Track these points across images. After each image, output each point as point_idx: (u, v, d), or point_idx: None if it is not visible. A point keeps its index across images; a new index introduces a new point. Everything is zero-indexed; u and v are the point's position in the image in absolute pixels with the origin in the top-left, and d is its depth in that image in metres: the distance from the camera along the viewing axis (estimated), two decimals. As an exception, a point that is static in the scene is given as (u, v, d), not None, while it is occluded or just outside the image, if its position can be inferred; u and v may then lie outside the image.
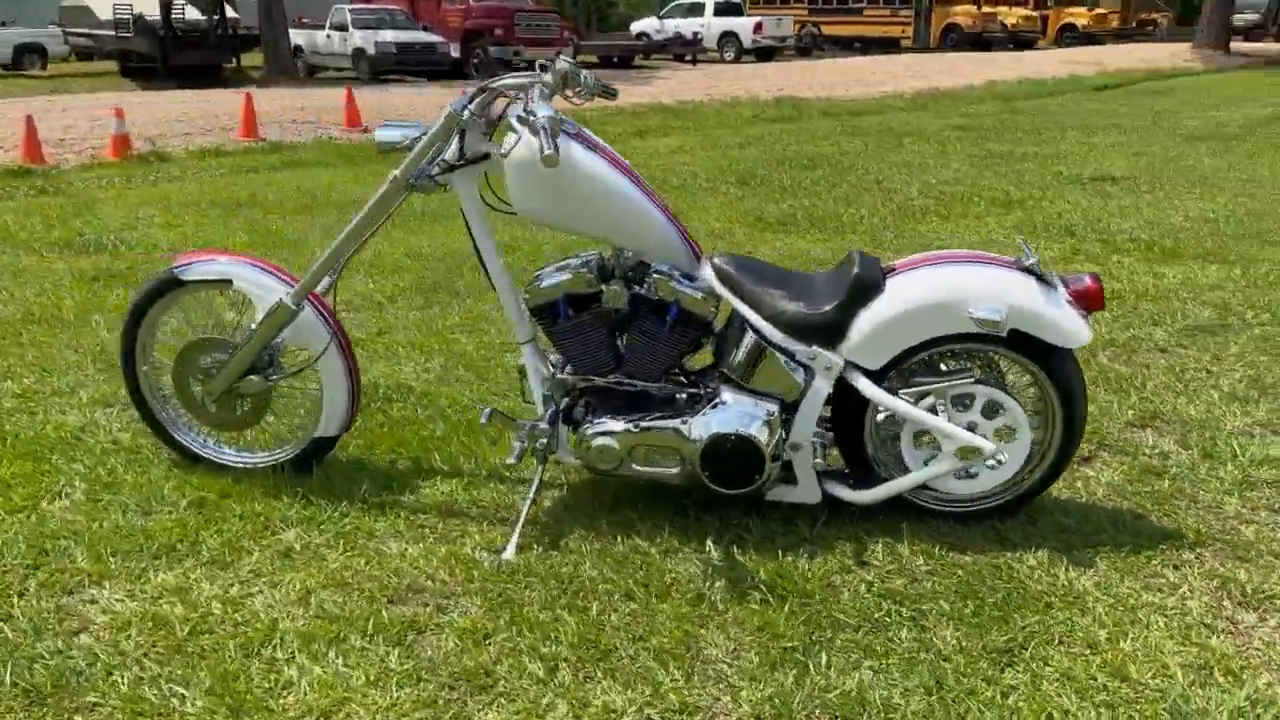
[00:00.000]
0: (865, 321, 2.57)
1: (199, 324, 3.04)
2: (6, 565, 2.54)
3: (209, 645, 2.24)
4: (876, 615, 2.34)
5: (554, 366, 2.79)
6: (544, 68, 2.60)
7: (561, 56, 2.56)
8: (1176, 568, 2.53)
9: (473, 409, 3.45)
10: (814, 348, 2.60)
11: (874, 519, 2.72)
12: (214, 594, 2.42)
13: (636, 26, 28.88)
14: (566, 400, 2.79)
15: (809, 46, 30.24)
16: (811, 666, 2.16)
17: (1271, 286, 4.86)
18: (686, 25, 26.94)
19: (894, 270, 2.65)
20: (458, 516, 2.78)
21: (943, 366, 2.70)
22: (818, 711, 2.03)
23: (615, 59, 25.00)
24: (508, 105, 2.62)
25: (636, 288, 2.66)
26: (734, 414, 2.60)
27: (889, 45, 31.44)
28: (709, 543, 2.63)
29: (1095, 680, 2.12)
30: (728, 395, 2.65)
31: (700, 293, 2.64)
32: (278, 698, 2.08)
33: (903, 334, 2.56)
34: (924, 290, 2.56)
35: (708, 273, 2.66)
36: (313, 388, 3.00)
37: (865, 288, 2.59)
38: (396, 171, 2.63)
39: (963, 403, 2.64)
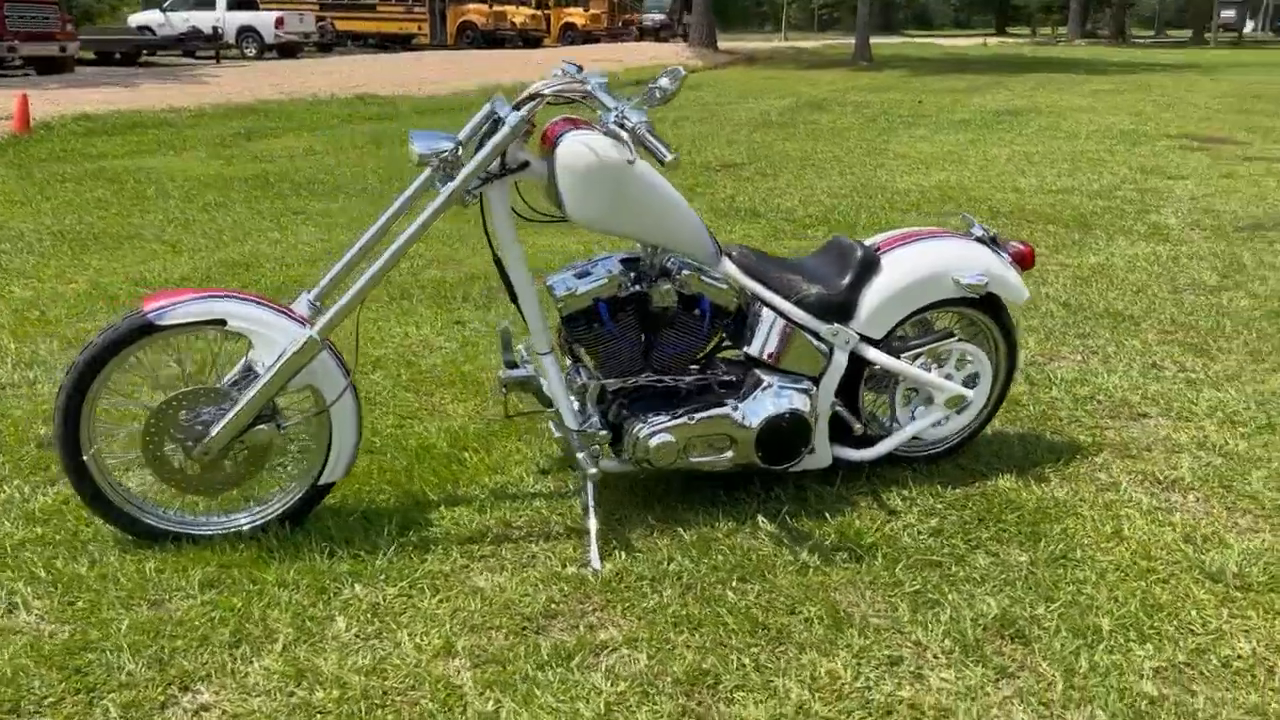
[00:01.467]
0: (873, 296, 2.88)
1: (164, 374, 2.60)
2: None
3: None
4: (946, 551, 2.67)
5: (585, 374, 2.78)
6: (579, 69, 2.60)
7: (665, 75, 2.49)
8: (1102, 470, 3.14)
9: (412, 431, 3.26)
10: (835, 325, 2.86)
11: (856, 479, 3.03)
12: (347, 669, 2.16)
13: (136, 19, 26.32)
14: (600, 405, 2.80)
15: (331, 43, 29.49)
16: (949, 604, 2.43)
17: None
18: (199, 19, 25.06)
19: (879, 249, 2.98)
20: (508, 542, 2.68)
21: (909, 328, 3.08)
22: (995, 640, 2.32)
23: (118, 55, 22.61)
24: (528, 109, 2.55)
25: (666, 284, 2.74)
26: (780, 395, 2.79)
27: (403, 42, 31.61)
28: (760, 519, 2.80)
29: (1137, 563, 2.61)
30: (766, 378, 2.82)
31: (725, 284, 2.78)
32: (534, 747, 1.96)
33: (903, 304, 2.90)
34: (916, 264, 2.92)
35: (728, 265, 2.81)
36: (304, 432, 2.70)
37: (869, 266, 2.89)
38: (453, 185, 2.47)
39: (942, 358, 3.04)
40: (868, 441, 3.01)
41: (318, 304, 2.71)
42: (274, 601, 2.38)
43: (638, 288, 2.72)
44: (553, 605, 2.40)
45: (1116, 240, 6.12)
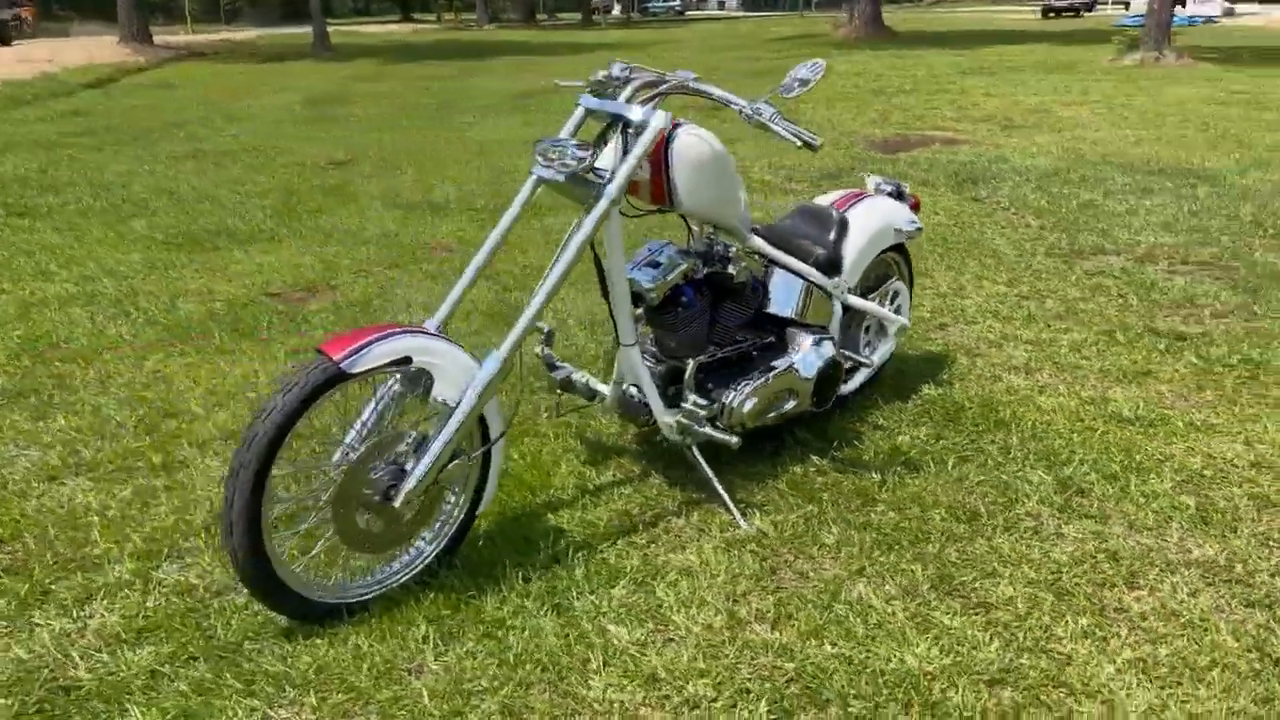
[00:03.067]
0: (851, 251, 3.38)
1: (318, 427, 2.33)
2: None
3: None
4: (956, 447, 3.28)
5: (653, 358, 2.97)
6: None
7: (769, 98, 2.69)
8: (981, 367, 3.96)
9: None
10: (835, 279, 3.31)
11: (844, 414, 3.54)
12: (685, 665, 2.24)
13: None
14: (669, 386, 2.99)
15: None
16: (1001, 528, 3.02)
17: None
18: None
19: (838, 209, 3.48)
20: (652, 527, 2.81)
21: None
22: (1086, 567, 2.96)
23: None
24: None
25: (731, 264, 3.01)
26: (820, 346, 3.19)
27: None
28: (814, 459, 3.19)
29: (1135, 459, 3.36)
30: (800, 334, 3.20)
31: (757, 257, 3.12)
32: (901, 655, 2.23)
33: (868, 254, 3.44)
34: (870, 220, 3.47)
35: (756, 240, 3.14)
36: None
37: (844, 226, 3.38)
38: (614, 188, 2.52)
39: (886, 295, 3.63)
40: (848, 376, 3.52)
41: (443, 330, 2.59)
42: (536, 631, 2.33)
43: (706, 269, 2.95)
44: (762, 562, 2.62)
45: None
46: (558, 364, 3.15)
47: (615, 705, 2.11)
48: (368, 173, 8.23)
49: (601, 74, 2.84)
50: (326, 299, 4.82)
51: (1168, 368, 3.91)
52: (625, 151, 2.62)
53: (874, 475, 3.05)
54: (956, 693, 2.12)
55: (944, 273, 5.20)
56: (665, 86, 2.73)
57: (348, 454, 2.37)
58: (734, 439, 2.80)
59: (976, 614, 2.40)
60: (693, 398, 2.90)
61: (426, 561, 2.53)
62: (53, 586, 2.55)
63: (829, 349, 3.19)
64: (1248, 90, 12.87)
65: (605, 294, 2.80)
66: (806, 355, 3.15)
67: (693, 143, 2.69)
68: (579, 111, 2.72)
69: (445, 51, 26.06)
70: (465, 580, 2.51)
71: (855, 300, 3.39)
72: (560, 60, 21.79)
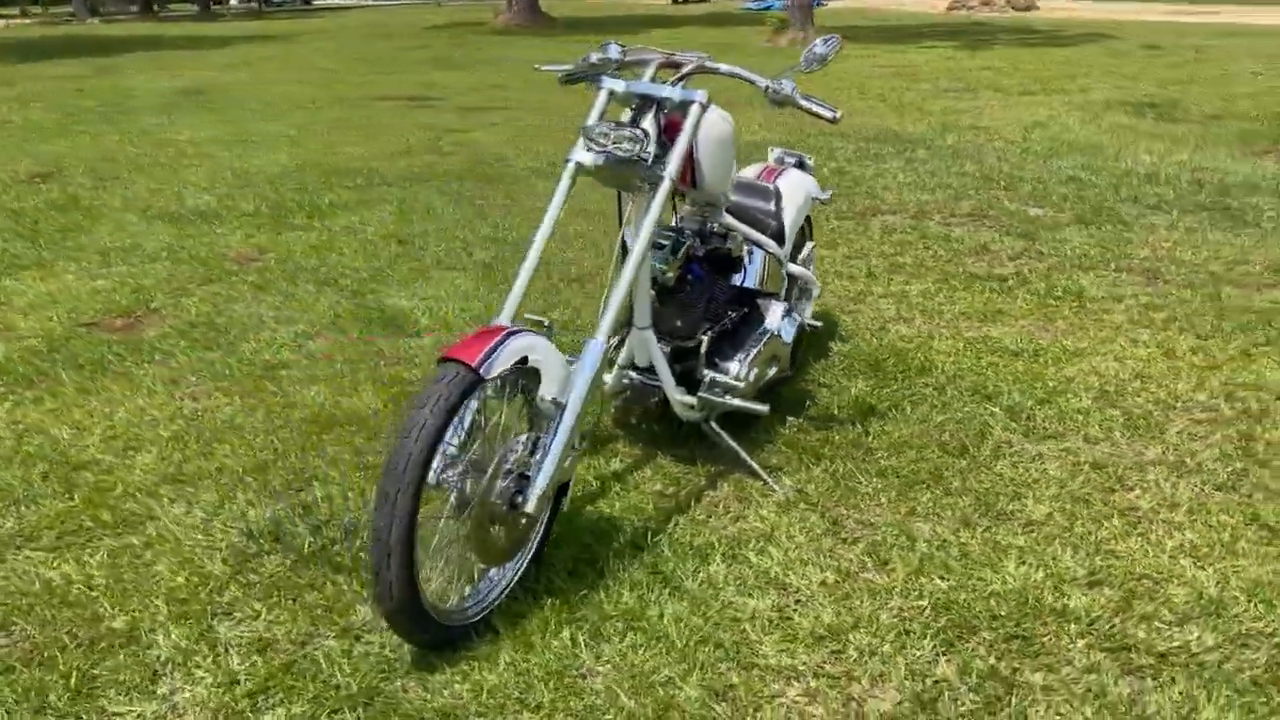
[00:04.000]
0: (788, 220, 3.57)
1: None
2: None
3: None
4: (903, 394, 3.59)
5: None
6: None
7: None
8: (928, 331, 4.30)
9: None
10: (782, 249, 3.49)
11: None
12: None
13: None
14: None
15: None
16: (991, 457, 3.38)
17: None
18: None
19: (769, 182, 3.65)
20: (702, 505, 2.87)
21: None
22: (1082, 478, 3.34)
23: None
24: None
25: (728, 240, 3.10)
26: (789, 313, 3.35)
27: None
28: (792, 419, 3.37)
29: (1048, 385, 3.85)
30: (773, 304, 3.35)
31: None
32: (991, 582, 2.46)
33: (797, 222, 3.65)
34: (795, 190, 3.68)
35: (726, 216, 3.25)
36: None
37: (779, 197, 3.56)
38: (672, 169, 2.52)
39: (806, 259, 3.86)
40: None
41: (516, 329, 2.48)
42: (677, 615, 2.34)
43: (705, 247, 3.03)
44: (823, 517, 2.76)
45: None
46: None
47: (805, 665, 2.17)
48: (88, 185, 7.34)
49: (596, 56, 2.81)
50: (159, 324, 4.33)
51: (1012, 305, 4.44)
52: (661, 133, 2.62)
53: (856, 427, 3.27)
54: (1072, 599, 2.38)
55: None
56: (690, 67, 2.76)
57: (459, 466, 2.23)
58: (765, 406, 2.91)
59: (1033, 532, 2.68)
60: (710, 374, 2.96)
61: (522, 570, 2.44)
62: (96, 671, 2.20)
63: (797, 315, 3.37)
64: (893, 64, 14.45)
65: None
66: (784, 323, 3.30)
67: (716, 122, 2.75)
68: (603, 95, 2.68)
69: (62, 49, 23.36)
70: (562, 584, 2.45)
71: (795, 268, 3.58)
72: (212, 54, 20.26)
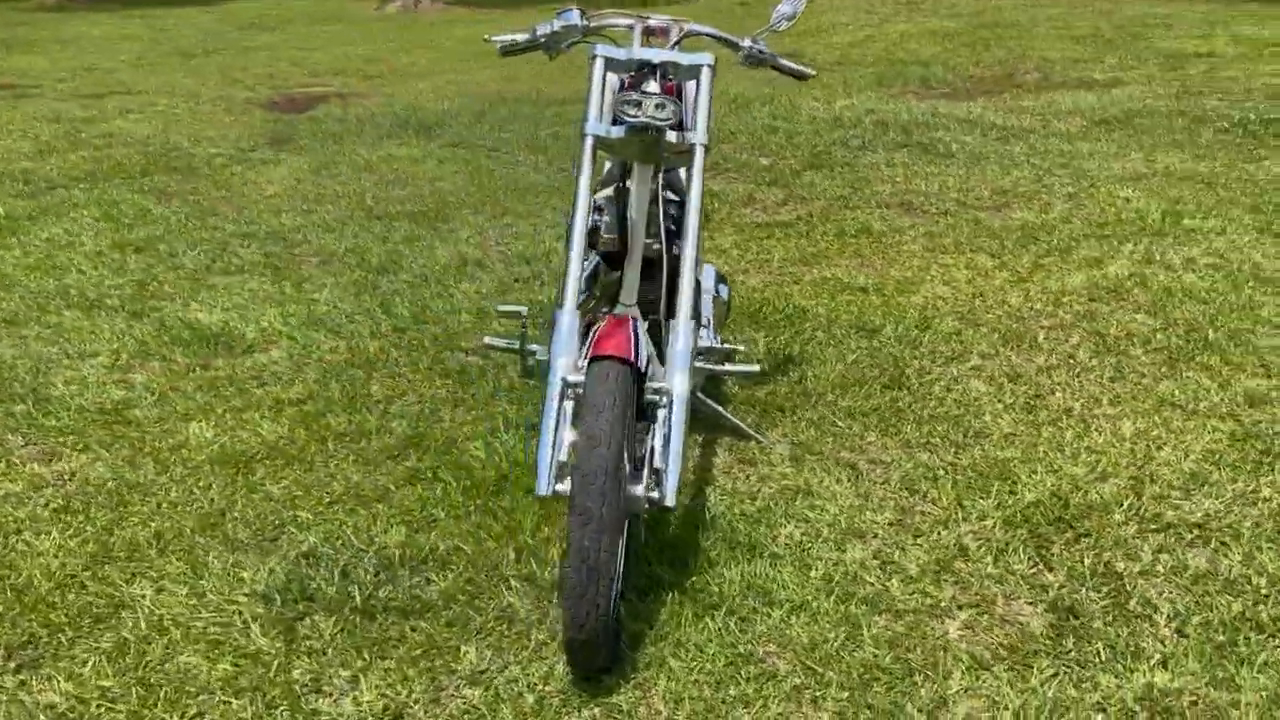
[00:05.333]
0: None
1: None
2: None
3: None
4: (852, 359, 3.77)
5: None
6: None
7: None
8: (771, 280, 4.41)
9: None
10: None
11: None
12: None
13: None
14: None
15: None
16: (932, 384, 3.63)
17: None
18: None
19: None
20: (709, 486, 2.86)
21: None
22: (1031, 390, 3.63)
23: None
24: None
25: None
26: (708, 273, 3.37)
27: None
28: (734, 396, 3.43)
29: (914, 315, 4.11)
30: (702, 266, 3.34)
31: None
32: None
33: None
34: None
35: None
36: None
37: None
38: (701, 137, 2.43)
39: None
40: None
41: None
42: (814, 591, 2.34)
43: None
44: (848, 470, 2.86)
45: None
46: (533, 348, 2.89)
47: (945, 599, 2.26)
48: None
49: (558, 24, 2.65)
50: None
51: (821, 247, 4.75)
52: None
53: (790, 375, 3.39)
54: (1095, 493, 2.66)
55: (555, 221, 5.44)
56: (680, 32, 2.66)
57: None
58: (756, 365, 2.93)
59: (1015, 444, 2.95)
60: (696, 342, 2.92)
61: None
62: None
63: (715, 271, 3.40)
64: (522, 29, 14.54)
65: (607, 255, 2.67)
66: (718, 283, 3.32)
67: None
68: (598, 65, 2.51)
69: None
70: (666, 578, 2.35)
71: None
72: None
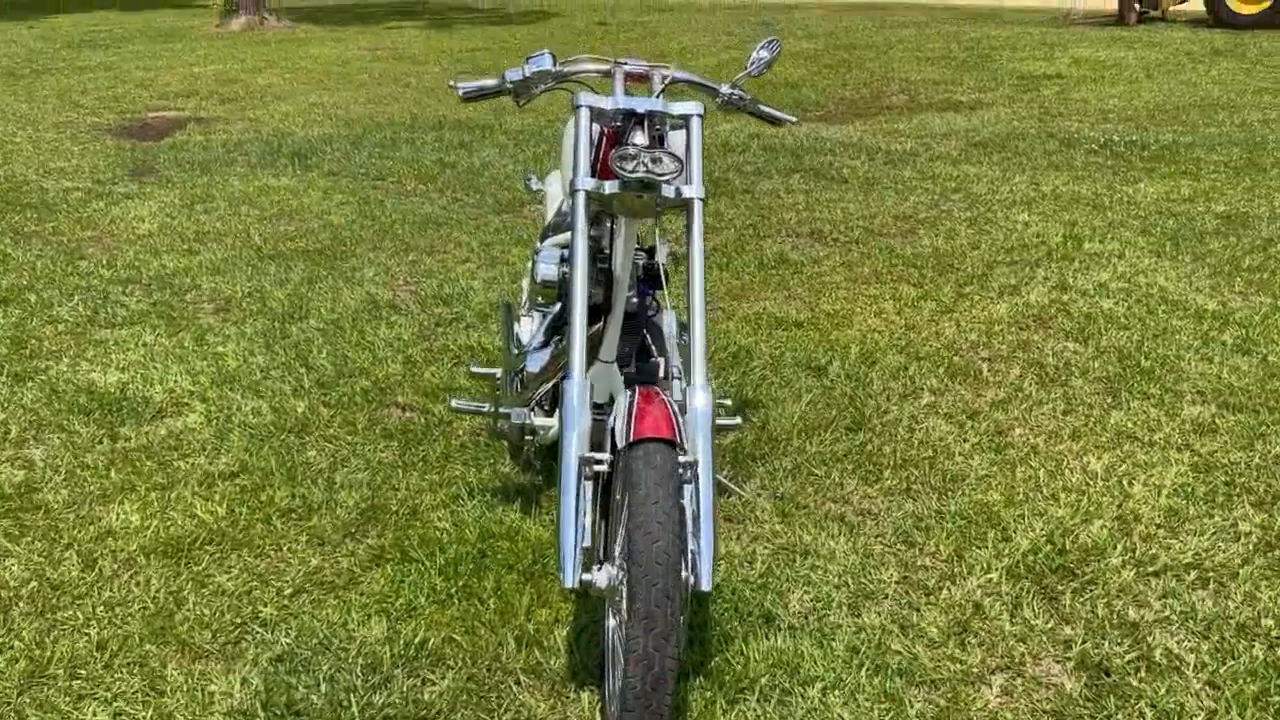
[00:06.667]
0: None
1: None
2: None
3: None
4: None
5: None
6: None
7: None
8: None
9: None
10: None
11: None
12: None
13: None
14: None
15: None
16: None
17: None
18: None
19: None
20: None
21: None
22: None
23: None
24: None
25: None
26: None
27: None
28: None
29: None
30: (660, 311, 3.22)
31: None
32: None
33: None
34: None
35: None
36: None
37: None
38: (700, 190, 2.31)
39: None
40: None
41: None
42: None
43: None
44: (834, 520, 2.78)
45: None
46: (506, 410, 2.70)
47: (974, 664, 2.20)
48: None
49: (530, 69, 2.49)
50: None
51: (743, 281, 4.70)
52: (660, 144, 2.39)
53: (753, 421, 3.30)
54: (1086, 536, 2.66)
55: (478, 250, 5.22)
56: (664, 79, 2.53)
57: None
58: (739, 418, 2.82)
59: (994, 488, 2.93)
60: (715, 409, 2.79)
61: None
62: None
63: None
64: (385, 46, 14.08)
65: (597, 311, 2.53)
66: (676, 326, 3.19)
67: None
68: (583, 114, 2.34)
69: None
70: (686, 660, 2.21)
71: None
72: None
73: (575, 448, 2.01)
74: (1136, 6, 14.45)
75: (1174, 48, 12.01)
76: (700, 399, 2.11)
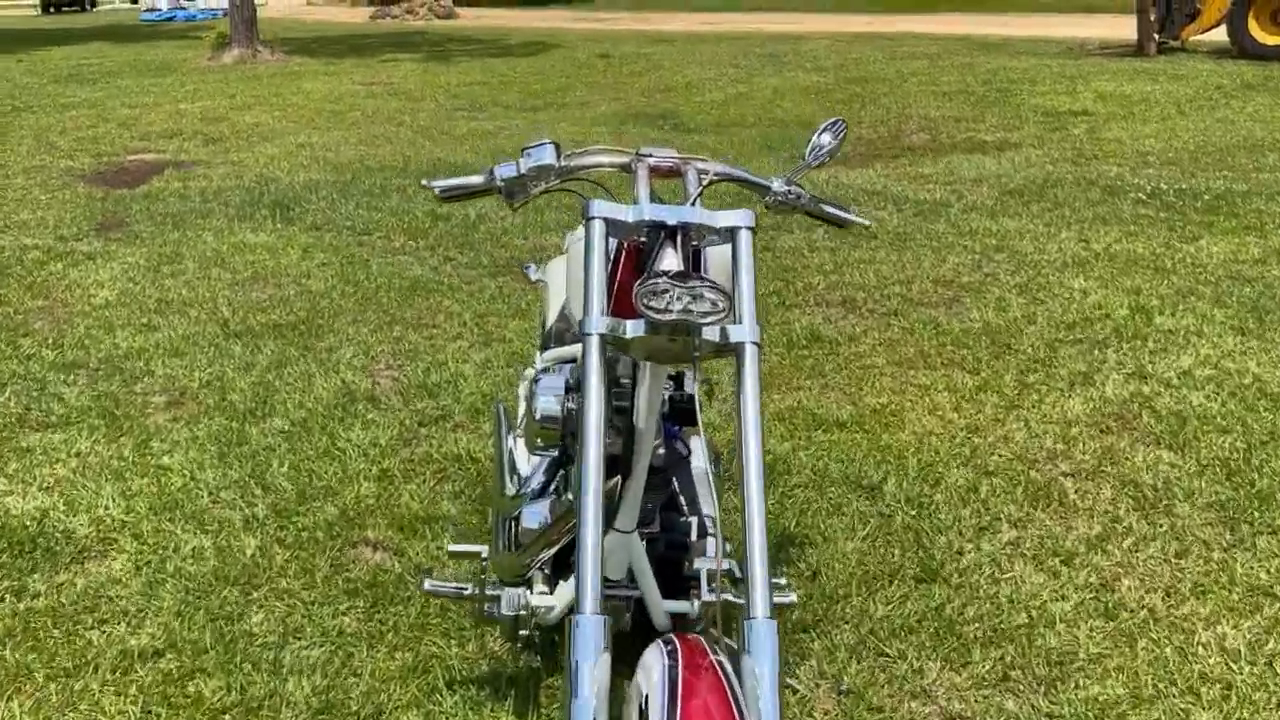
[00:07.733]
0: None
1: None
2: None
3: None
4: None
5: None
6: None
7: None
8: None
9: None
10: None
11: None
12: None
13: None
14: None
15: None
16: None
17: None
18: None
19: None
20: None
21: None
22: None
23: None
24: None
25: None
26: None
27: None
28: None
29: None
30: (692, 440, 2.64)
31: None
32: None
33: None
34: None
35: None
36: None
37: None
38: (757, 330, 1.73)
39: None
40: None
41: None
42: None
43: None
44: (907, 721, 2.18)
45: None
46: (494, 593, 2.12)
47: None
48: None
49: (526, 166, 1.91)
50: None
51: (775, 362, 4.12)
52: (695, 267, 1.81)
53: (799, 568, 2.71)
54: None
55: (471, 323, 4.65)
56: (701, 175, 1.94)
57: None
58: (793, 595, 2.24)
59: (1140, 685, 2.34)
60: (704, 565, 2.20)
61: None
62: None
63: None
64: (380, 81, 13.58)
65: (614, 463, 1.95)
66: (713, 462, 2.60)
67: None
68: (597, 228, 1.75)
69: None
70: None
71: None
72: None
73: (587, 687, 1.43)
74: (1156, 36, 13.94)
75: (1201, 80, 11.50)
76: (766, 636, 1.49)
